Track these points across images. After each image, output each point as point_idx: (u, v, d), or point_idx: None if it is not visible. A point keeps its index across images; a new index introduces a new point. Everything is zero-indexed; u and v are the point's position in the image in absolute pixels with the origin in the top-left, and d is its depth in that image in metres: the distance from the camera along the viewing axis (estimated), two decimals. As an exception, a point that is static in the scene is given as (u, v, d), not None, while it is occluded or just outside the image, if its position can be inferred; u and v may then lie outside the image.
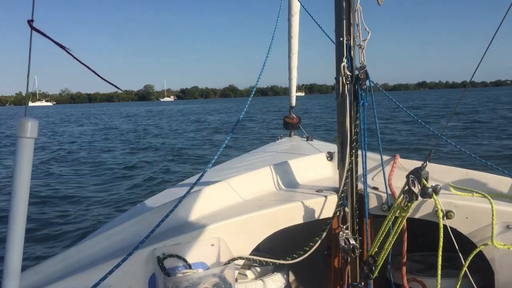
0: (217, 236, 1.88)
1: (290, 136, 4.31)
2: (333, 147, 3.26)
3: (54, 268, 1.72)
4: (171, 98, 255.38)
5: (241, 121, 2.60)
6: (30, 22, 1.21)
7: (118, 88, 1.55)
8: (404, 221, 1.92)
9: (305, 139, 3.94)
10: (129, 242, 1.84)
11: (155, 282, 1.76)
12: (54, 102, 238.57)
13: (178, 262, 1.78)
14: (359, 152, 2.12)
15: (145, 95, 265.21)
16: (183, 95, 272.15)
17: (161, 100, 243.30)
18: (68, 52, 1.33)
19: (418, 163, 2.39)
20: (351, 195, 2.13)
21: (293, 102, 4.20)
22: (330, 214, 2.09)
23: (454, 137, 17.44)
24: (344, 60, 2.01)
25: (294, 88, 4.12)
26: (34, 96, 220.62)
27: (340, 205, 2.07)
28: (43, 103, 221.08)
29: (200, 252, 1.83)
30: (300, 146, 3.73)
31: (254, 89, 2.73)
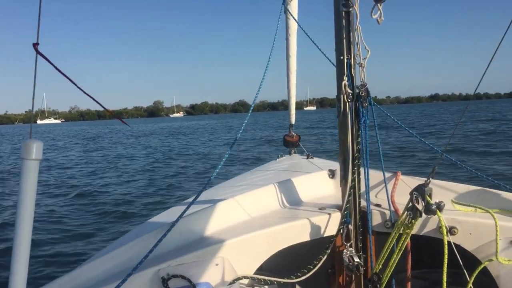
0: (222, 256, 1.88)
1: (290, 154, 4.31)
2: (334, 165, 3.26)
3: None
4: (180, 114, 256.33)
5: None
6: (35, 45, 1.24)
7: (123, 121, 1.57)
8: (408, 238, 1.92)
9: (306, 157, 3.95)
10: (134, 263, 1.84)
11: None
12: (63, 120, 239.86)
13: (183, 282, 1.77)
14: (361, 169, 2.12)
15: (155, 111, 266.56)
16: (193, 110, 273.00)
17: (171, 116, 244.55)
18: (71, 80, 1.36)
19: (420, 180, 2.39)
20: (354, 212, 2.13)
21: (293, 120, 4.22)
22: (334, 232, 2.09)
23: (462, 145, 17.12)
24: (345, 78, 2.03)
25: (293, 106, 4.14)
26: (42, 114, 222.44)
27: (344, 222, 2.08)
28: (52, 120, 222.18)
29: (205, 272, 1.83)
30: (300, 164, 3.74)
31: (252, 106, 2.75)
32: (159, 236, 1.87)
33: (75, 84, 1.36)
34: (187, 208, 2.02)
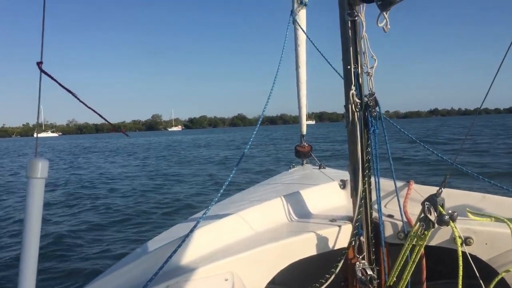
0: (231, 271, 1.84)
1: (302, 164, 4.29)
2: (346, 175, 3.23)
3: None
4: (179, 128, 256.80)
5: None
6: (39, 64, 1.23)
7: (127, 135, 1.55)
8: (422, 249, 1.88)
9: (318, 167, 3.93)
10: (142, 280, 1.80)
11: None
12: (60, 133, 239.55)
13: None
14: (372, 179, 2.09)
15: (153, 125, 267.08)
16: (191, 124, 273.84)
17: (169, 129, 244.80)
18: (75, 96, 1.34)
19: (433, 189, 2.35)
20: (366, 223, 2.09)
21: (304, 131, 4.21)
22: (345, 244, 2.05)
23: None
24: (353, 87, 2.01)
25: (304, 117, 4.14)
26: (40, 127, 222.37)
27: (355, 234, 2.04)
28: (49, 134, 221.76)
29: None
30: (312, 174, 3.71)
31: (260, 119, 2.75)
32: (169, 252, 1.84)
33: (80, 100, 1.35)
34: (197, 223, 1.99)
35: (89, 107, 1.40)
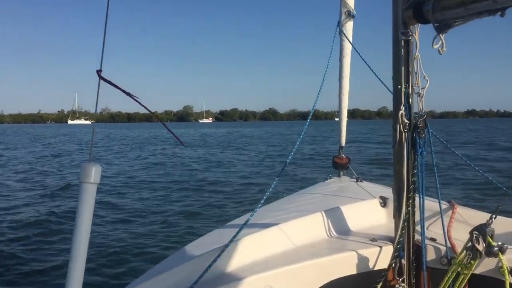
0: (269, 285, 1.84)
1: (339, 176, 4.25)
2: (384, 190, 3.18)
3: None
4: (209, 120, 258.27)
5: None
6: (98, 72, 1.26)
7: (178, 140, 1.57)
8: (467, 279, 1.83)
9: (355, 180, 3.89)
10: (181, 287, 1.83)
11: None
12: (93, 121, 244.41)
13: None
14: (416, 201, 2.05)
15: (184, 116, 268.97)
16: (222, 116, 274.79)
17: (200, 121, 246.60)
18: (136, 100, 1.36)
19: (478, 214, 2.29)
20: (407, 246, 2.06)
21: (343, 142, 4.16)
22: (385, 265, 2.02)
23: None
24: (402, 107, 1.97)
25: (344, 128, 4.08)
26: (74, 114, 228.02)
27: (396, 256, 2.01)
28: (82, 121, 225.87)
29: None
30: (349, 188, 3.67)
31: (309, 120, 2.73)
32: (209, 261, 1.85)
33: (141, 104, 1.37)
34: (238, 232, 1.99)
35: (148, 110, 1.42)
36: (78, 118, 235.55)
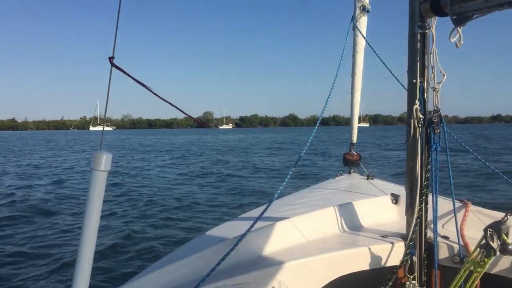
0: (279, 279, 1.83)
1: (349, 173, 4.21)
2: (395, 187, 3.14)
3: None
4: (229, 126, 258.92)
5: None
6: (111, 59, 1.28)
7: (197, 121, 1.57)
8: (479, 277, 1.79)
9: (366, 177, 3.85)
10: (191, 279, 1.83)
11: None
12: (114, 127, 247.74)
13: None
14: (429, 197, 2.02)
15: (204, 122, 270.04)
16: (242, 122, 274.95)
17: (220, 127, 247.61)
18: (148, 89, 1.38)
19: (491, 213, 2.24)
20: (419, 243, 2.02)
21: (354, 139, 4.14)
22: (396, 262, 1.99)
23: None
24: (417, 102, 1.94)
25: (355, 125, 4.06)
26: (95, 121, 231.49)
27: (408, 253, 1.98)
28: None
29: None
30: (360, 185, 3.64)
31: (318, 122, 2.72)
32: (221, 254, 1.85)
33: (153, 92, 1.39)
34: (251, 226, 1.99)
35: (162, 98, 1.43)
36: (100, 124, 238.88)
